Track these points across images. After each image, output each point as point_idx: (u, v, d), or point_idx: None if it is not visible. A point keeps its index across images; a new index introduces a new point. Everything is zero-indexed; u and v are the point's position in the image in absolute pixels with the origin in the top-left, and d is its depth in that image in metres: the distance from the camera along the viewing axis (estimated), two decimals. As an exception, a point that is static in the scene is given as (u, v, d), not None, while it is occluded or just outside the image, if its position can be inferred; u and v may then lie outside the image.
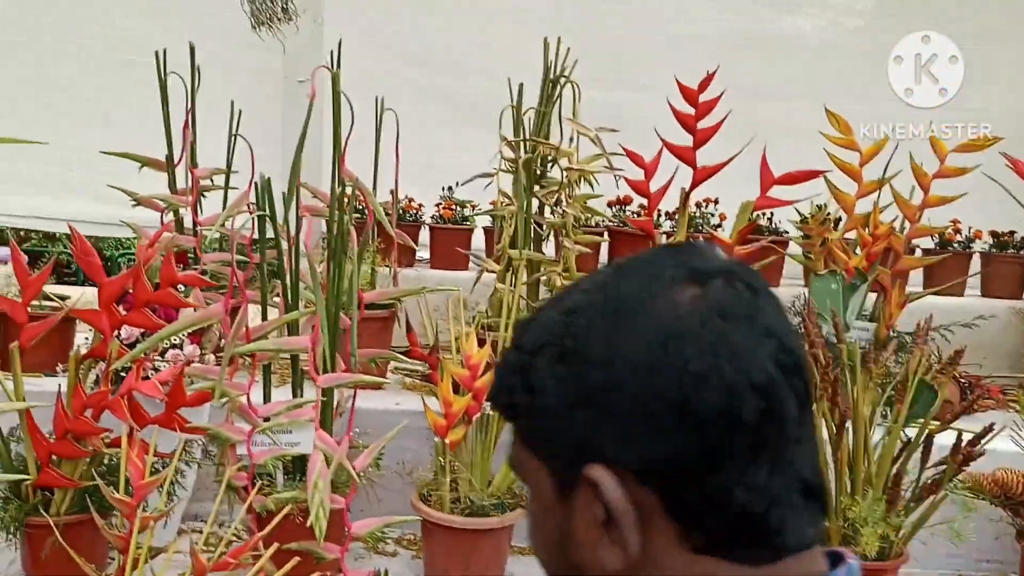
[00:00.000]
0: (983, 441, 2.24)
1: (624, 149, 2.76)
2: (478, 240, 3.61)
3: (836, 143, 2.90)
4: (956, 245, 3.55)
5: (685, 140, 2.79)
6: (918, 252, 3.55)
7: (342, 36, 2.95)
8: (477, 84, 3.76)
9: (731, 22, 4.09)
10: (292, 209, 2.49)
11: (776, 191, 2.81)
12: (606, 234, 3.49)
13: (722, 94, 2.75)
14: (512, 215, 2.81)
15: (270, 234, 2.28)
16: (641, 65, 3.92)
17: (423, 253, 3.65)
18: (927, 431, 2.23)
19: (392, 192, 3.47)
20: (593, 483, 0.58)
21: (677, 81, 2.75)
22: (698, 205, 3.52)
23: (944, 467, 2.27)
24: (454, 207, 3.51)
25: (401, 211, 3.53)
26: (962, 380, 3.01)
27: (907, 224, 3.00)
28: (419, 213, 3.58)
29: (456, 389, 2.41)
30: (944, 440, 2.30)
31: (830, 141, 2.90)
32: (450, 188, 3.54)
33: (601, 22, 4.10)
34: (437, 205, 3.55)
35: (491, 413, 2.44)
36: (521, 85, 2.87)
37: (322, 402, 2.36)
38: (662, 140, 2.78)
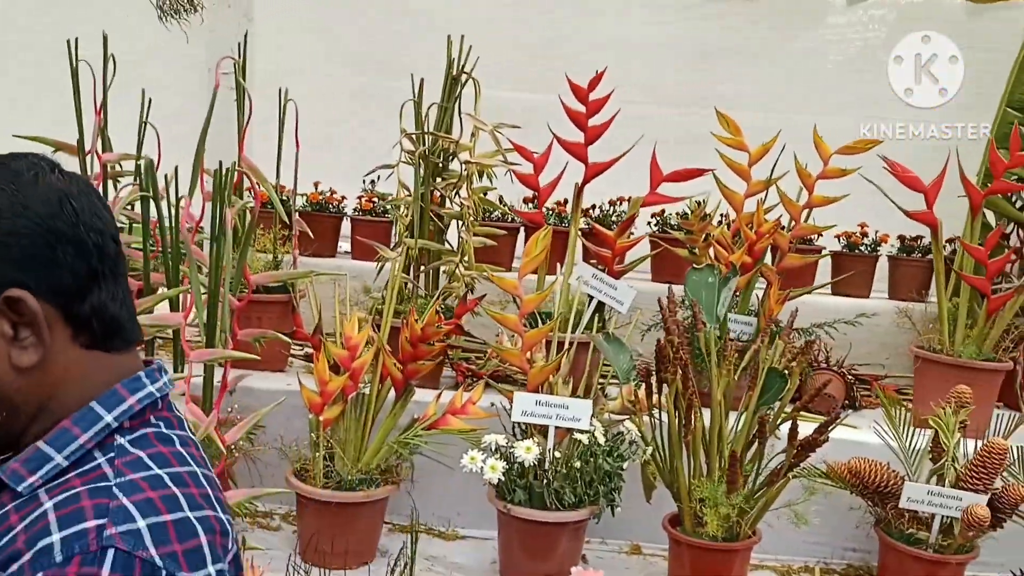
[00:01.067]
0: (828, 430, 2.33)
1: (513, 144, 2.86)
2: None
3: (726, 143, 2.99)
4: (863, 248, 3.64)
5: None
6: (825, 252, 3.65)
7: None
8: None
9: (694, 29, 4.13)
10: (196, 194, 2.60)
11: (666, 188, 2.91)
12: (522, 229, 3.59)
13: (610, 93, 2.84)
14: (409, 205, 2.91)
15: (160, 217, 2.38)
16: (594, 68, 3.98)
17: (347, 244, 3.75)
18: (757, 416, 2.31)
19: (316, 183, 3.59)
20: (15, 300, 0.80)
21: (568, 79, 2.85)
22: (612, 203, 3.62)
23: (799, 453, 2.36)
24: (374, 200, 3.61)
25: (323, 203, 3.64)
26: (849, 376, 3.10)
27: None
28: (341, 205, 3.68)
29: (337, 370, 2.51)
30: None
31: (720, 141, 2.99)
32: (372, 182, 3.64)
33: (557, 30, 4.16)
34: (359, 197, 3.65)
35: (367, 392, 2.53)
36: (422, 80, 2.98)
37: (202, 378, 2.47)
38: (554, 135, 2.88)
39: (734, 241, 3.01)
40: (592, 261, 2.92)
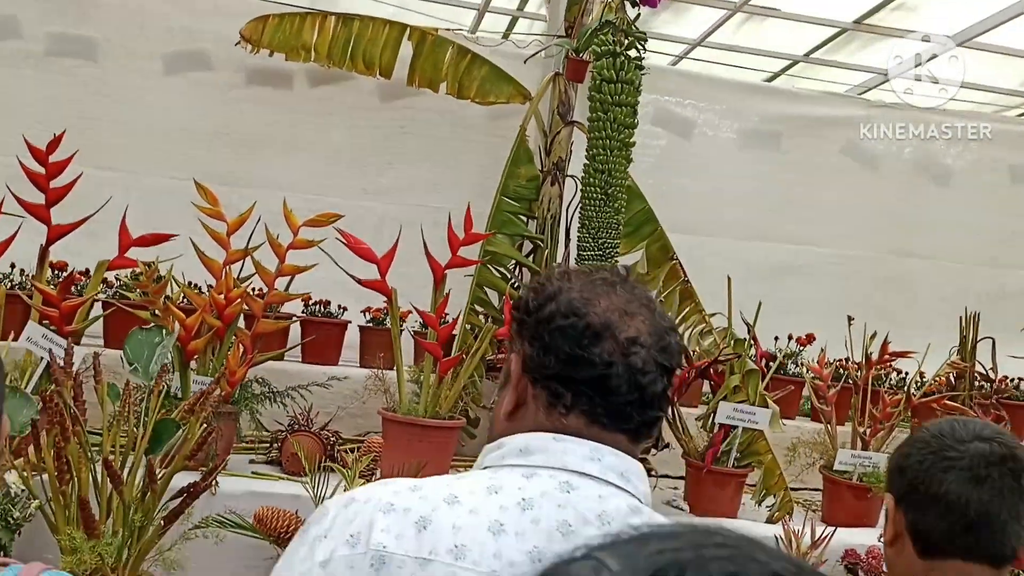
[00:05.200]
0: (212, 477, 2.43)
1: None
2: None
3: (205, 213, 3.13)
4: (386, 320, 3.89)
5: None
6: (354, 325, 3.88)
7: None
8: None
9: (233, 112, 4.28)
10: None
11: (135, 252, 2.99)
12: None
13: (72, 156, 2.90)
14: None
15: None
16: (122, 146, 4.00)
17: None
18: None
19: None
20: None
21: (26, 141, 2.88)
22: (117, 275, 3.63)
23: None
24: None
25: None
26: (322, 436, 3.25)
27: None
28: None
29: None
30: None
31: (200, 211, 3.12)
32: None
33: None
34: None
35: None
36: None
37: None
38: (13, 195, 2.89)
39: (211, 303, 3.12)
40: (45, 322, 2.91)
